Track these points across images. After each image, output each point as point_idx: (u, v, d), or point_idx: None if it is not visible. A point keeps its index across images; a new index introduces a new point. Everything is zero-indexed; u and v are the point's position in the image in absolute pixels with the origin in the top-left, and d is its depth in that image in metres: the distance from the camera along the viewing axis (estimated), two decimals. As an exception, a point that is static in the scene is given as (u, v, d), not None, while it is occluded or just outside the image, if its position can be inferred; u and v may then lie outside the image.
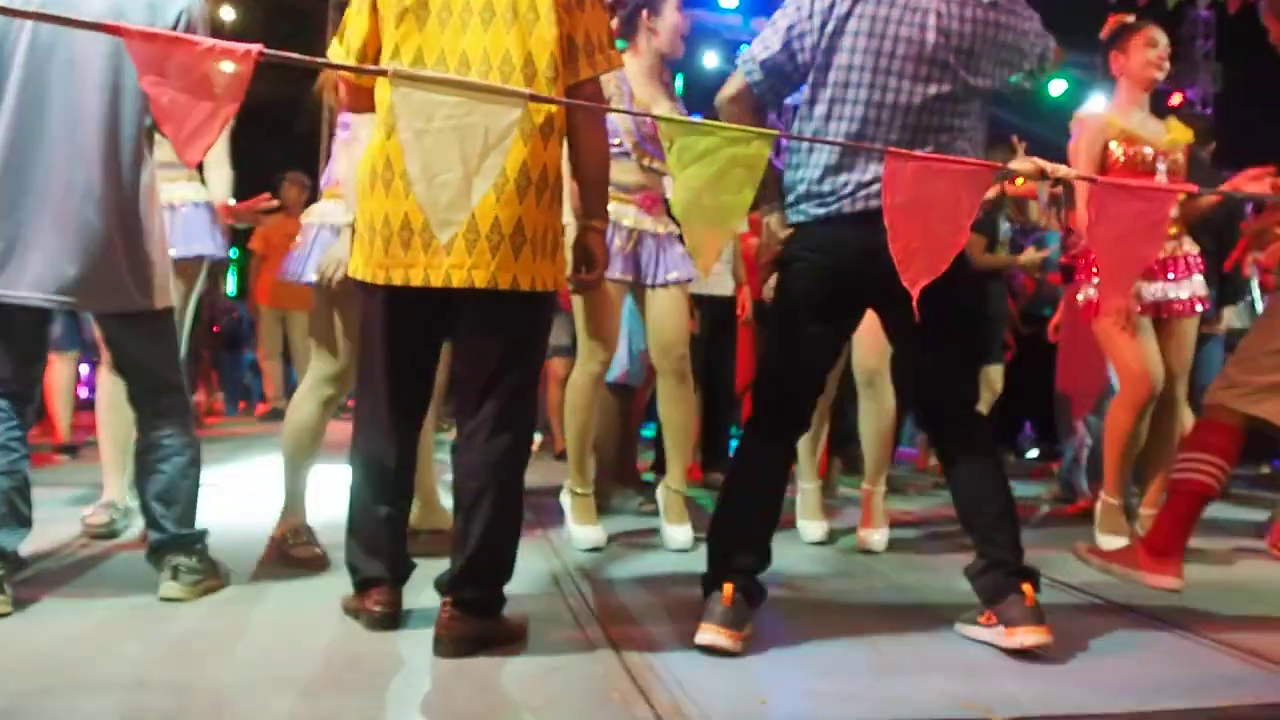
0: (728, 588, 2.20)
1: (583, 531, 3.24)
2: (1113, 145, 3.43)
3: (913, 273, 2.16)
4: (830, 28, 2.28)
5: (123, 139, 2.33)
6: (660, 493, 3.42)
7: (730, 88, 2.40)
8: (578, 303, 3.25)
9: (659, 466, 4.83)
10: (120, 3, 2.31)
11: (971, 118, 2.34)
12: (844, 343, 2.52)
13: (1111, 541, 3.39)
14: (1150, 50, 3.46)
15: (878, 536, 3.40)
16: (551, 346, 5.15)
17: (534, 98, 1.99)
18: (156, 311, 2.46)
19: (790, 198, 2.39)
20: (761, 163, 2.09)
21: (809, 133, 2.33)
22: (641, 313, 3.40)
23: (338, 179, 2.81)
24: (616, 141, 3.15)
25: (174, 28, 2.34)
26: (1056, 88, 9.73)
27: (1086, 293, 3.52)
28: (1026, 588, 2.22)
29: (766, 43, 2.35)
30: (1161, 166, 3.41)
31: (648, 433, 5.63)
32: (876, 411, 3.43)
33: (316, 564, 2.77)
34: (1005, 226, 5.10)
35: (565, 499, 3.35)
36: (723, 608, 2.19)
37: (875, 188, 2.23)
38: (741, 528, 2.33)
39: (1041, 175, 2.21)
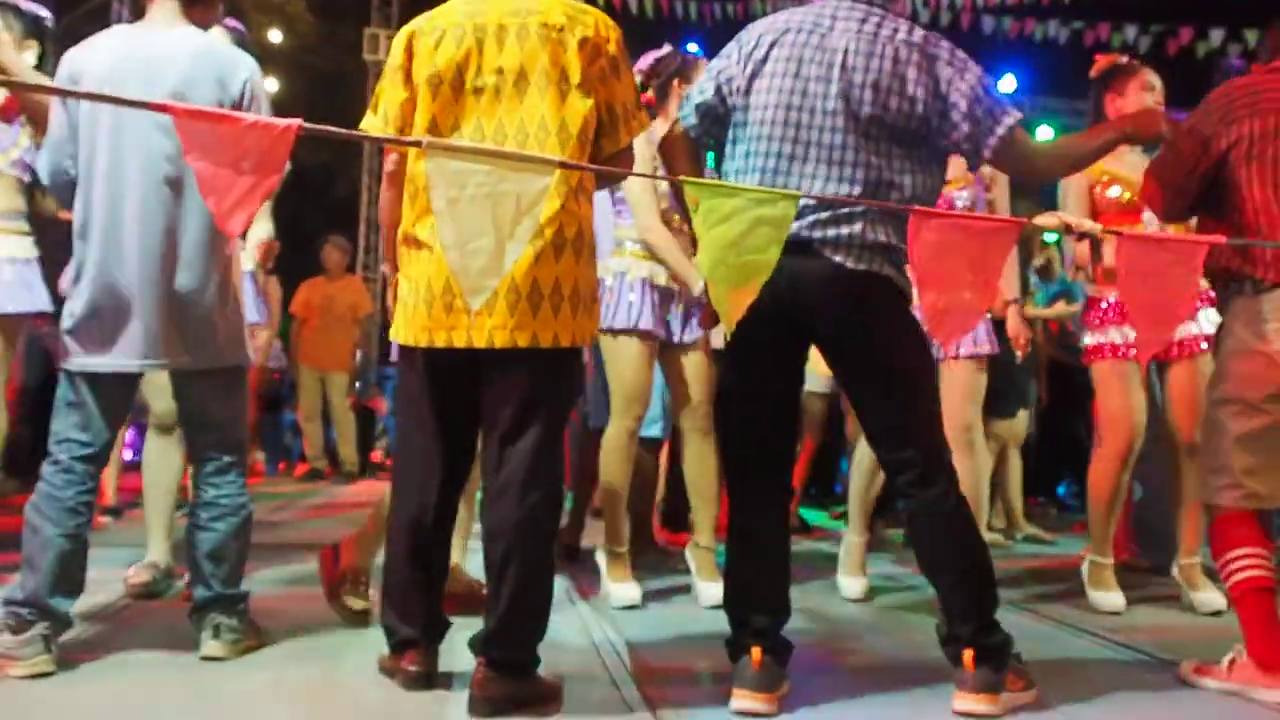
0: (755, 651, 2.19)
1: (619, 589, 3.24)
2: (1098, 189, 3.39)
3: (943, 331, 2.17)
4: (750, 69, 2.31)
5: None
6: (690, 551, 3.41)
7: (667, 132, 2.46)
8: (610, 360, 3.28)
9: (672, 522, 4.82)
10: (192, 74, 2.41)
11: (906, 162, 2.26)
12: (797, 378, 2.41)
13: (1103, 598, 3.35)
14: (1148, 94, 3.42)
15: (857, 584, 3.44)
16: None
17: (563, 164, 2.05)
18: (237, 366, 2.54)
19: None
20: (787, 222, 2.11)
21: (730, 172, 2.34)
22: (665, 370, 3.43)
23: None
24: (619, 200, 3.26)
25: (239, 96, 2.45)
26: (1043, 134, 9.76)
27: (1094, 336, 3.45)
28: (966, 655, 2.17)
29: (701, 87, 2.40)
30: (1149, 211, 3.29)
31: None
32: (970, 469, 3.32)
33: (360, 619, 2.78)
34: (1033, 278, 5.08)
35: (600, 557, 3.36)
36: (753, 672, 2.18)
37: (809, 218, 2.22)
38: (752, 591, 2.30)
39: (1066, 229, 2.22)
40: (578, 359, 2.29)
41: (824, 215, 2.23)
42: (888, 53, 2.24)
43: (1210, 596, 3.33)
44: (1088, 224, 2.23)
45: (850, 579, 3.49)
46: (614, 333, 3.25)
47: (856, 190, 2.24)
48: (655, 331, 3.27)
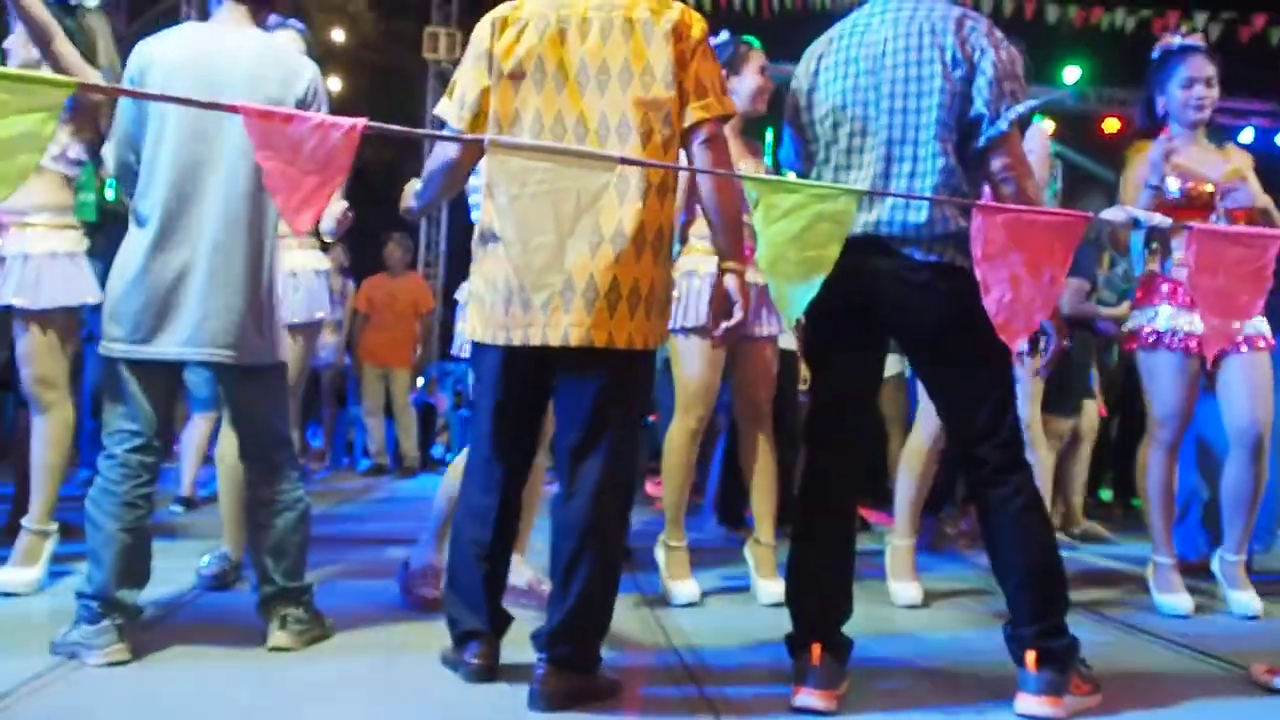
0: (815, 648, 2.19)
1: (679, 587, 3.23)
2: (1169, 180, 3.23)
3: (1010, 328, 2.14)
4: (808, 84, 2.39)
5: (266, 201, 2.43)
6: (749, 548, 3.40)
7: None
8: (675, 357, 3.27)
9: (728, 514, 4.81)
10: (260, 73, 2.46)
11: (949, 158, 2.24)
12: (877, 371, 2.44)
13: (1172, 602, 3.26)
14: (1200, 87, 3.29)
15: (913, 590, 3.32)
16: None
17: (624, 160, 2.04)
18: (279, 365, 2.58)
19: None
20: (848, 218, 2.11)
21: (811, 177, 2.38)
22: (729, 363, 3.40)
23: None
24: None
25: (304, 96, 2.50)
26: (1109, 126, 9.54)
27: (1136, 320, 3.36)
28: (1029, 655, 2.15)
29: (786, 134, 2.48)
30: (1220, 208, 3.24)
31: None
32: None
33: (433, 606, 2.86)
34: (1101, 275, 4.98)
35: (660, 553, 3.35)
36: (813, 668, 2.17)
37: (874, 216, 2.24)
38: (816, 585, 2.30)
39: (1135, 224, 2.18)
40: (651, 361, 2.27)
41: (892, 210, 2.23)
42: (924, 30, 2.25)
43: (1246, 597, 3.26)
44: (1157, 218, 2.18)
45: (902, 584, 3.35)
46: (685, 331, 3.23)
47: (920, 183, 2.23)
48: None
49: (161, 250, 2.39)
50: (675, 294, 3.21)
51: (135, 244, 2.42)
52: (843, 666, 2.25)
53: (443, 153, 2.30)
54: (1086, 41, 10.03)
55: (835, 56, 2.36)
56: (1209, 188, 3.26)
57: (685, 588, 3.22)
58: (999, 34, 2.28)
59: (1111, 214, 2.20)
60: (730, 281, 2.22)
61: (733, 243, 2.23)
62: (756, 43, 3.44)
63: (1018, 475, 2.23)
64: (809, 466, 2.39)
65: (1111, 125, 10.14)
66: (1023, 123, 2.37)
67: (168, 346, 2.40)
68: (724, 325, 2.22)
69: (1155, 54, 3.44)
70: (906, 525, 3.44)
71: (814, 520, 2.34)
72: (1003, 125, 2.21)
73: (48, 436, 3.07)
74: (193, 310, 2.40)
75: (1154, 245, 3.40)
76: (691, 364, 3.24)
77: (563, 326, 2.10)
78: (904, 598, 3.32)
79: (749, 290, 2.26)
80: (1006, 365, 2.29)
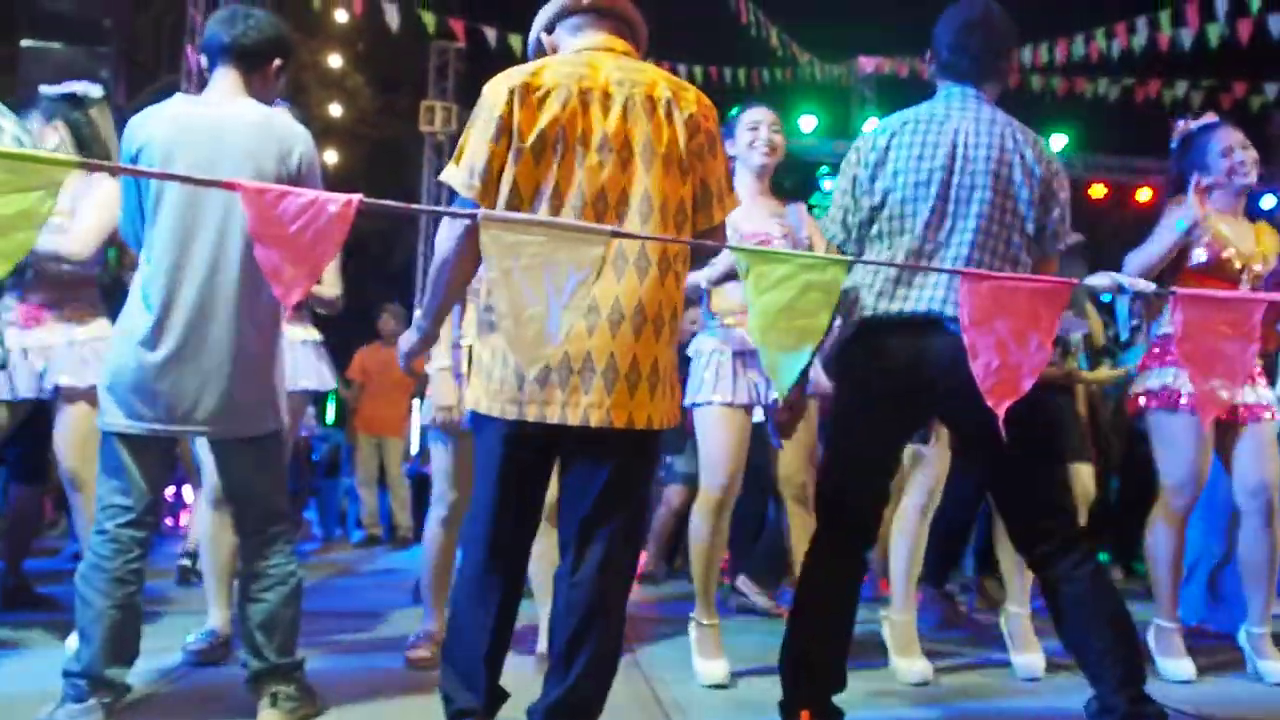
0: (804, 716, 2.18)
1: (708, 666, 3.11)
2: (1199, 247, 3.26)
3: (996, 394, 2.15)
4: (874, 160, 2.48)
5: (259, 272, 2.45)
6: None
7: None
8: (702, 426, 3.21)
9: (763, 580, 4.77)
10: (253, 147, 2.48)
11: (1018, 236, 2.41)
12: (901, 451, 2.52)
13: (1172, 666, 3.22)
14: (1232, 156, 3.34)
15: (1034, 660, 3.25)
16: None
17: (615, 233, 2.02)
18: (275, 434, 2.57)
19: (850, 301, 2.45)
20: (837, 287, 2.13)
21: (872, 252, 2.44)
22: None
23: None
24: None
25: (296, 168, 2.51)
26: (1095, 192, 9.74)
27: (1148, 380, 3.33)
28: None
29: (839, 204, 2.53)
30: (1245, 278, 3.29)
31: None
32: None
33: (426, 664, 2.94)
34: (1076, 337, 4.98)
35: (692, 631, 3.23)
36: None
37: (939, 294, 2.31)
38: (813, 651, 2.31)
39: (1119, 290, 2.20)
40: (660, 441, 2.25)
41: (951, 290, 2.28)
42: (1005, 134, 2.42)
43: (1277, 666, 3.22)
44: (1141, 283, 2.21)
45: (907, 660, 3.20)
46: (696, 405, 3.20)
47: (988, 261, 2.35)
48: (737, 400, 3.19)
49: (159, 325, 2.40)
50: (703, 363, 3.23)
51: (133, 318, 2.44)
52: None
53: (448, 238, 2.16)
54: (1071, 109, 10.23)
55: (910, 138, 2.46)
56: (1237, 262, 3.28)
57: (715, 668, 3.10)
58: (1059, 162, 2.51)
59: (1097, 280, 2.23)
60: None
61: None
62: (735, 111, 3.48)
63: (1083, 543, 2.26)
64: (818, 540, 2.41)
65: (1097, 191, 10.30)
66: None
67: (163, 422, 2.41)
68: (789, 414, 2.42)
69: (1175, 142, 3.50)
70: (906, 598, 3.30)
71: (816, 591, 2.34)
72: (1060, 245, 2.45)
73: (90, 513, 3.09)
74: (188, 385, 2.40)
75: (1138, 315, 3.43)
76: (707, 433, 3.17)
77: (582, 407, 2.07)
78: (913, 675, 3.16)
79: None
80: (1059, 436, 2.32)
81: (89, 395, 3.19)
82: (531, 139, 2.09)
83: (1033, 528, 2.28)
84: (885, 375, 2.33)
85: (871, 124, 12.25)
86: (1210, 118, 3.50)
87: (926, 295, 2.33)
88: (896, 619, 3.28)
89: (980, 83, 2.51)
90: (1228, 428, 3.29)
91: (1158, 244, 3.24)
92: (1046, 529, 2.25)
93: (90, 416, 3.22)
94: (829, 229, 2.57)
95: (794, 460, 3.29)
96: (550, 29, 2.30)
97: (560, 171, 2.10)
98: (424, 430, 3.26)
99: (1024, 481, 2.31)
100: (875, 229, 2.48)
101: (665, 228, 2.12)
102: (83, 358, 3.26)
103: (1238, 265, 3.29)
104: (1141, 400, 3.33)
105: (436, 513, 3.31)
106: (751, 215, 3.31)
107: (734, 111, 3.50)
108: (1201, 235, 3.26)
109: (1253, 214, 3.59)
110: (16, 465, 4.10)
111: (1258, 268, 3.33)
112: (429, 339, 2.36)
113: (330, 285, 3.47)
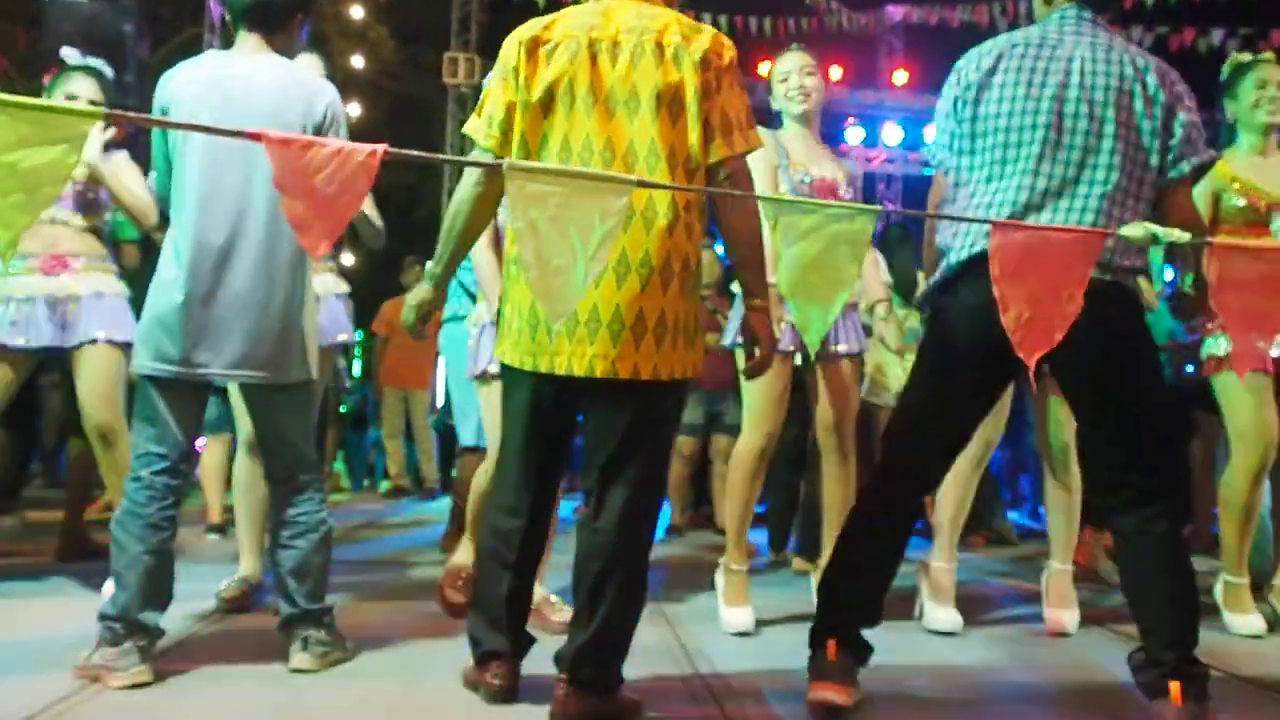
0: (831, 644, 2.21)
1: (733, 614, 3.14)
2: (1225, 195, 3.28)
3: (1028, 344, 2.13)
4: (978, 81, 2.37)
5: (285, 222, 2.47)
6: (816, 575, 3.36)
7: (935, 192, 2.48)
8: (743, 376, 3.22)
9: (775, 544, 4.81)
10: (280, 100, 2.50)
11: (1145, 171, 2.30)
12: (995, 399, 2.44)
13: (1242, 622, 3.21)
14: (1259, 91, 3.33)
15: (1069, 617, 3.22)
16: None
17: (641, 183, 2.01)
18: (308, 382, 2.60)
19: (944, 243, 2.40)
20: (866, 238, 2.11)
21: (971, 196, 2.37)
22: (806, 383, 3.35)
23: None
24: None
25: (322, 119, 2.54)
26: None
27: (1209, 347, 3.33)
28: (1174, 687, 2.10)
29: (942, 127, 2.45)
30: (1279, 220, 3.24)
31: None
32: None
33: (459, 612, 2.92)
34: None
35: (719, 577, 3.26)
36: (829, 663, 2.20)
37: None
38: (852, 583, 2.32)
39: (1154, 240, 2.16)
40: (681, 391, 2.26)
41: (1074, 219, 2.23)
42: (1124, 60, 2.30)
43: (1251, 620, 3.23)
44: (1175, 233, 2.17)
45: (939, 608, 3.23)
46: (737, 346, 3.18)
47: (1107, 202, 2.26)
48: (790, 345, 3.19)
49: (192, 275, 2.43)
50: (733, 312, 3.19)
51: (167, 269, 2.47)
52: (858, 666, 2.27)
53: (466, 183, 2.24)
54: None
55: (1019, 62, 2.35)
56: (1262, 203, 3.26)
57: (739, 616, 3.12)
58: (1188, 87, 2.34)
59: (1130, 230, 2.19)
60: (757, 319, 2.23)
61: (756, 278, 2.24)
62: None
63: (1162, 500, 2.22)
64: (875, 484, 2.40)
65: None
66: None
67: (202, 367, 2.44)
68: (752, 364, 2.25)
69: (1226, 70, 3.49)
70: (948, 547, 3.30)
71: (863, 533, 2.34)
72: (1185, 168, 2.31)
73: (116, 462, 3.24)
74: (225, 331, 2.44)
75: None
76: (755, 382, 3.13)
77: (587, 358, 2.10)
78: (944, 623, 3.19)
79: (769, 324, 2.25)
80: (1161, 386, 2.29)
81: (123, 348, 3.25)
82: (538, 92, 2.12)
83: (1113, 475, 2.26)
84: (965, 323, 2.26)
85: (900, 75, 12.09)
86: (1268, 54, 3.47)
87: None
88: (935, 565, 3.29)
89: (1091, 2, 2.39)
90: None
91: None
92: (1125, 479, 2.23)
93: (119, 367, 3.28)
94: (934, 154, 2.49)
95: (840, 411, 3.28)
96: None
97: (568, 124, 2.12)
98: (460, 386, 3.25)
99: (1114, 429, 2.26)
100: (978, 159, 2.38)
101: (674, 177, 2.10)
102: (112, 310, 3.33)
103: (1262, 206, 3.26)
104: (1212, 364, 3.32)
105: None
106: (818, 161, 3.30)
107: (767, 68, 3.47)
108: (1222, 187, 3.29)
109: None
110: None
111: None
112: (440, 286, 2.37)
113: (373, 213, 3.49)
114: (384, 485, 7.84)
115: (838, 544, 2.38)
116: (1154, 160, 2.30)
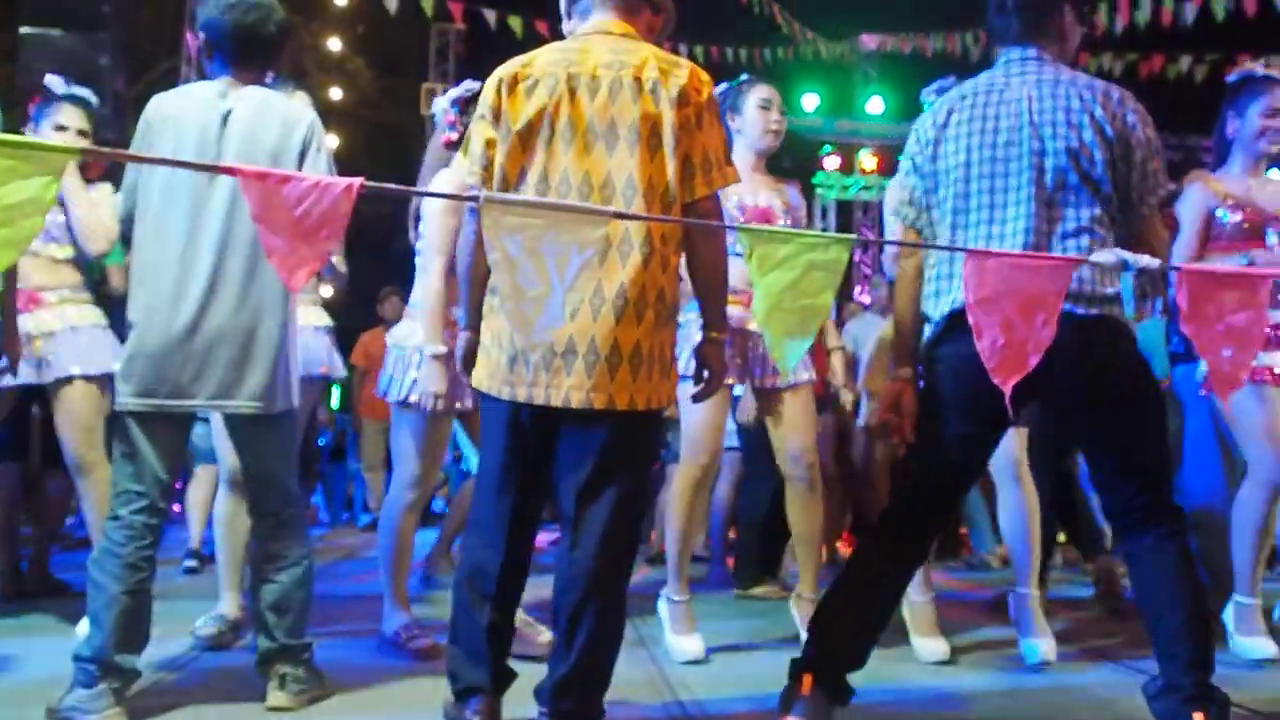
0: (807, 679, 2.21)
1: (682, 643, 3.16)
2: (1219, 212, 3.27)
3: (1002, 372, 2.14)
4: (933, 136, 2.42)
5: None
6: (794, 603, 3.37)
7: (904, 256, 2.50)
8: (683, 402, 3.22)
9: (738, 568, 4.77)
10: (256, 127, 2.50)
11: (1107, 205, 2.32)
12: (995, 446, 2.44)
13: (1252, 646, 3.17)
14: (1267, 120, 3.30)
15: (1045, 645, 3.11)
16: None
17: (617, 214, 2.03)
18: (290, 411, 2.58)
19: (932, 290, 2.42)
20: (841, 266, 2.12)
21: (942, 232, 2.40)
22: (765, 416, 3.36)
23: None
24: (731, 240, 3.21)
25: (305, 138, 2.54)
26: None
27: (1201, 368, 3.28)
28: (1196, 715, 2.09)
29: (904, 184, 2.50)
30: (1274, 235, 3.24)
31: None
32: (1018, 505, 3.23)
33: (435, 654, 2.91)
34: None
35: (662, 607, 3.29)
36: (800, 698, 2.20)
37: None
38: (840, 630, 2.31)
39: (1124, 266, 2.19)
40: (656, 421, 2.26)
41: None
42: (1071, 94, 2.32)
43: (1261, 642, 3.16)
44: (1145, 259, 2.19)
45: (926, 641, 3.20)
46: (683, 377, 3.16)
47: (1078, 241, 2.28)
48: (732, 378, 3.21)
49: (157, 303, 2.42)
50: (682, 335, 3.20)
51: (145, 301, 2.45)
52: (832, 707, 2.26)
53: (466, 229, 2.26)
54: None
55: (969, 112, 2.39)
56: (1259, 219, 3.27)
57: (690, 644, 3.14)
58: (1142, 109, 2.35)
59: (1101, 257, 2.21)
60: (713, 351, 2.27)
61: (717, 311, 2.28)
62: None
63: (1168, 520, 2.24)
64: (874, 539, 2.40)
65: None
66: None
67: (188, 398, 2.42)
68: (699, 392, 2.29)
69: (1235, 77, 3.45)
70: (925, 581, 3.28)
71: (859, 586, 2.35)
72: (1145, 211, 2.33)
73: (95, 498, 3.24)
74: (211, 361, 2.42)
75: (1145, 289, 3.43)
76: (693, 407, 3.16)
77: (564, 389, 2.10)
78: (930, 654, 3.17)
79: (723, 356, 2.29)
80: (1161, 409, 2.31)
81: (100, 381, 3.23)
82: (518, 127, 2.15)
83: (1119, 497, 2.28)
84: (957, 374, 2.29)
85: (876, 103, 12.21)
86: (1278, 71, 3.41)
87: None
88: (917, 600, 3.27)
89: (1036, 41, 2.42)
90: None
91: (1190, 228, 3.30)
92: (1131, 501, 2.25)
93: (96, 402, 3.26)
94: (901, 210, 2.52)
95: (803, 439, 3.28)
96: (568, 14, 2.36)
97: (547, 157, 2.15)
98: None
99: (1119, 452, 2.28)
100: (938, 213, 2.43)
101: (651, 210, 2.12)
102: (88, 344, 3.31)
103: (1259, 221, 3.27)
104: (1209, 385, 3.27)
105: (406, 498, 3.17)
106: (754, 190, 3.34)
107: (736, 81, 3.49)
108: (1216, 205, 3.30)
109: None
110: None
111: None
112: (474, 328, 2.33)
113: (338, 260, 3.49)
114: (364, 519, 7.78)
115: (836, 583, 2.37)
116: (1111, 191, 2.32)
